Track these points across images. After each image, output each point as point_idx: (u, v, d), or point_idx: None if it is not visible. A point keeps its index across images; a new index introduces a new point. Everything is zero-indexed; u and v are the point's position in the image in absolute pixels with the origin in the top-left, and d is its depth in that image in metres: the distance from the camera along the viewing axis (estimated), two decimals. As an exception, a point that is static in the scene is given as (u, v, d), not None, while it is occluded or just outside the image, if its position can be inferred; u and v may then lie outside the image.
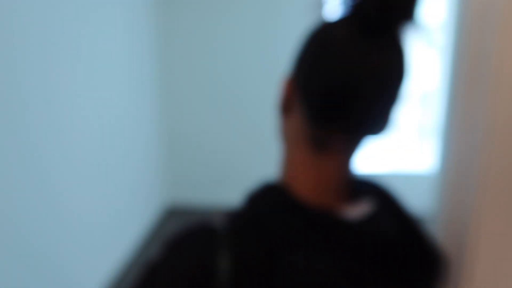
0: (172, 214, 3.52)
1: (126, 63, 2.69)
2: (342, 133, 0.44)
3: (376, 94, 0.42)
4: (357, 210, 0.47)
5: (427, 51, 3.52)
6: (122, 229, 2.65)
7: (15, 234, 1.57)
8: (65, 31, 1.94)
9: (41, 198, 1.76)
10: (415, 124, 3.77)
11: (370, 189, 0.50)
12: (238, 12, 3.36)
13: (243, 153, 3.63)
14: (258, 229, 0.43)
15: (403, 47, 0.43)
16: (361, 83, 0.41)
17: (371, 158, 3.71)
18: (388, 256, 0.44)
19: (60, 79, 1.90)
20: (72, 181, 2.02)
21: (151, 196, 3.24)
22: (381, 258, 0.43)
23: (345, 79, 0.41)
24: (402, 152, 3.77)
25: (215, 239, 0.43)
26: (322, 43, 0.42)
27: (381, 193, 0.50)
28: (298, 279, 0.39)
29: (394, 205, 0.49)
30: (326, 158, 0.46)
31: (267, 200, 0.45)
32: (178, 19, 3.39)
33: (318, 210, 0.43)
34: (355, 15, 0.40)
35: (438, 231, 0.88)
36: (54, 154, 1.86)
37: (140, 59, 2.95)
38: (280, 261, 0.41)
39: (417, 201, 3.64)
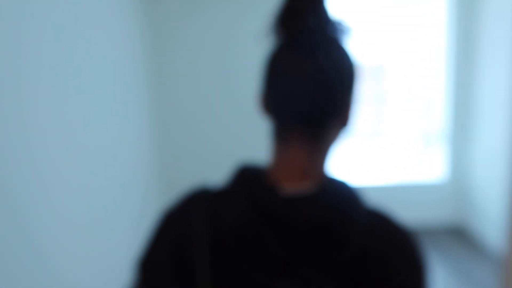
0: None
1: (118, 69, 2.62)
2: (295, 131, 0.55)
3: (308, 101, 0.53)
4: (294, 189, 0.56)
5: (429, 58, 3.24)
6: (117, 232, 2.64)
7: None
8: (50, 35, 1.86)
9: (37, 197, 1.71)
10: (419, 133, 3.55)
11: (335, 183, 0.56)
12: (227, 13, 3.31)
13: (239, 154, 3.59)
14: (220, 195, 0.58)
15: (331, 54, 0.53)
16: (293, 91, 0.53)
17: (374, 170, 3.64)
18: (290, 225, 0.52)
19: (48, 84, 1.83)
20: (66, 183, 2.00)
21: (146, 200, 3.23)
22: (290, 227, 0.52)
23: (282, 91, 0.54)
24: (408, 162, 3.43)
25: (194, 202, 0.59)
26: (267, 64, 0.56)
27: (340, 188, 0.55)
28: (224, 225, 0.54)
29: (343, 201, 0.54)
30: (286, 149, 0.57)
31: (239, 171, 0.59)
32: (169, 19, 3.32)
33: (265, 185, 0.55)
34: (282, 39, 0.54)
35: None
36: (52, 152, 1.81)
37: (132, 65, 2.89)
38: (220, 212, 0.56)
39: (427, 212, 3.51)
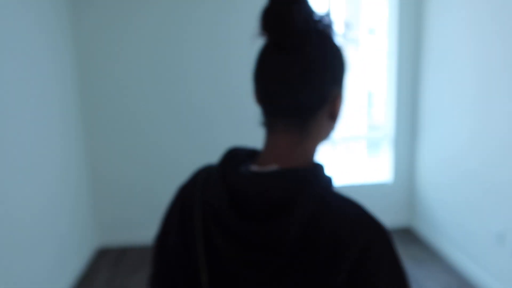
0: (103, 255, 3.48)
1: (35, 71, 2.56)
2: (280, 121, 0.63)
3: (291, 95, 0.60)
4: (262, 168, 0.64)
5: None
6: (54, 273, 2.64)
7: None
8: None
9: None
10: (366, 136, 3.72)
11: (309, 166, 0.61)
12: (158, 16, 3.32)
13: (170, 190, 3.65)
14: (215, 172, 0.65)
15: (304, 53, 0.59)
16: (274, 85, 0.60)
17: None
18: (249, 199, 0.59)
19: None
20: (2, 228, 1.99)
21: (83, 239, 3.24)
22: (249, 200, 0.59)
23: (265, 85, 0.62)
24: (356, 164, 3.70)
25: (198, 178, 0.68)
26: (256, 61, 0.64)
27: (308, 171, 0.60)
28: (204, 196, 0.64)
29: (298, 180, 0.58)
30: (272, 136, 0.65)
31: (225, 154, 0.67)
32: (95, 21, 3.30)
33: (237, 164, 0.64)
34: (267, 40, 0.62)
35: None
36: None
37: (54, 66, 2.86)
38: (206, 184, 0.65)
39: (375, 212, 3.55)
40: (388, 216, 3.78)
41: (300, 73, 0.59)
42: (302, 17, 0.57)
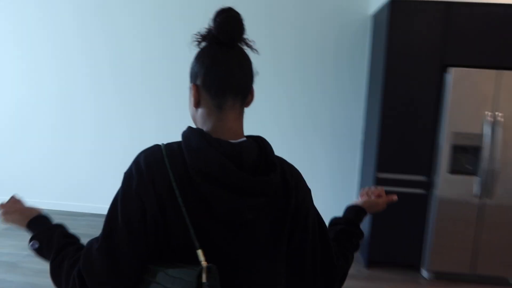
0: None
1: None
2: (229, 100, 0.86)
3: (238, 77, 0.86)
4: (236, 140, 0.86)
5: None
6: None
7: None
8: None
9: None
10: None
11: (253, 136, 0.91)
12: None
13: None
14: (184, 145, 0.82)
15: (243, 52, 0.88)
16: (229, 73, 0.85)
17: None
18: (244, 160, 0.82)
19: None
20: None
21: None
22: (243, 161, 0.82)
23: (220, 75, 0.85)
24: None
25: (160, 152, 0.82)
26: (206, 58, 0.86)
27: (258, 139, 0.90)
28: (197, 163, 0.79)
29: (262, 144, 0.88)
30: (224, 114, 0.86)
31: (190, 132, 0.83)
32: None
33: (215, 138, 0.82)
34: (215, 41, 0.86)
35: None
36: None
37: None
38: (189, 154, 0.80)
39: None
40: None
41: (241, 64, 0.87)
42: (244, 28, 0.86)
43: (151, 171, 0.79)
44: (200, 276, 0.72)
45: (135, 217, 0.78)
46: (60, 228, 0.96)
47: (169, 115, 4.20)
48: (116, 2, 4.05)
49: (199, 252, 0.76)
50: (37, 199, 4.55)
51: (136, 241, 0.77)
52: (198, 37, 0.88)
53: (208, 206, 0.79)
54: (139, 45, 4.13)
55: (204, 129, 0.87)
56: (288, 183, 0.89)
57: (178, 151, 0.82)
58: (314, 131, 4.06)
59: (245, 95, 0.89)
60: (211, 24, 0.85)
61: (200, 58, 0.87)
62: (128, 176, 0.81)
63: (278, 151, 0.91)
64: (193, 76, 0.89)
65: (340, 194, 4.12)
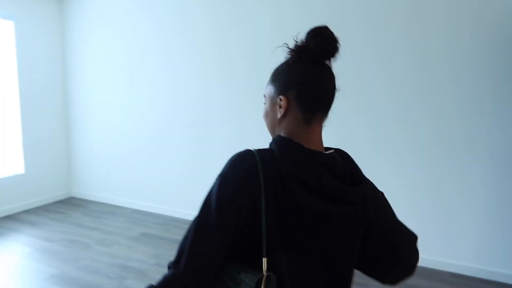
0: None
1: None
2: (318, 115, 0.91)
3: (330, 95, 0.91)
4: (328, 152, 0.92)
5: None
6: None
7: None
8: None
9: None
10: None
11: (334, 149, 0.97)
12: None
13: None
14: (280, 153, 0.86)
15: (331, 70, 0.92)
16: (324, 91, 0.89)
17: None
18: (336, 171, 0.88)
19: None
20: None
21: None
22: (332, 171, 0.88)
23: (317, 92, 0.89)
24: None
25: (254, 157, 0.85)
26: (302, 71, 0.89)
27: (340, 151, 0.96)
28: (296, 173, 0.83)
29: (344, 156, 0.95)
30: (311, 127, 0.91)
31: (285, 141, 0.87)
32: None
33: (308, 149, 0.88)
34: (311, 58, 0.89)
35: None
36: None
37: None
38: (286, 167, 0.84)
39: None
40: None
41: (333, 81, 0.90)
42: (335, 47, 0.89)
43: (248, 176, 0.82)
44: (259, 282, 0.79)
45: (230, 219, 0.80)
46: None
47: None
48: (250, 9, 3.92)
49: (264, 260, 0.81)
50: (172, 207, 4.61)
51: (226, 242, 0.80)
52: (293, 51, 0.90)
53: (298, 213, 0.83)
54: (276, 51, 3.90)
55: (294, 137, 0.92)
56: (366, 191, 0.93)
57: (271, 158, 0.85)
58: (467, 150, 3.18)
59: (329, 110, 0.93)
60: (308, 40, 0.87)
61: (295, 72, 0.89)
62: (225, 179, 0.83)
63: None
64: (284, 88, 0.91)
65: (502, 237, 3.12)
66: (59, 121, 5.18)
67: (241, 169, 0.82)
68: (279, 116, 0.91)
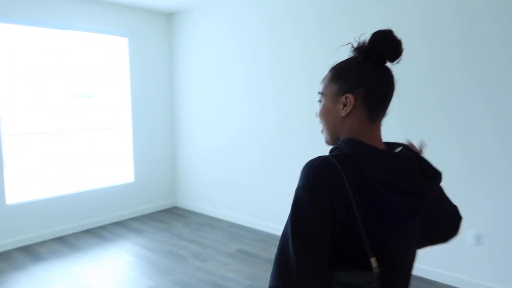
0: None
1: None
2: (381, 114, 0.93)
3: (392, 94, 0.93)
4: (396, 149, 0.95)
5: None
6: None
7: None
8: None
9: None
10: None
11: (397, 144, 0.99)
12: None
13: None
14: (358, 156, 0.86)
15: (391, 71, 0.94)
16: (389, 91, 0.92)
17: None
18: (414, 167, 0.88)
19: None
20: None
21: None
22: (412, 168, 0.87)
23: (385, 92, 0.91)
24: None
25: (335, 164, 0.84)
26: (373, 71, 0.90)
27: (403, 145, 0.97)
28: (376, 168, 0.84)
29: (410, 151, 0.96)
30: (375, 125, 0.93)
31: (356, 143, 0.87)
32: None
33: (382, 149, 0.88)
34: (378, 59, 0.92)
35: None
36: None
37: None
38: (366, 166, 0.85)
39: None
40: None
41: (394, 82, 0.94)
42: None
43: (337, 184, 0.81)
44: (373, 281, 0.81)
45: (327, 230, 0.80)
46: None
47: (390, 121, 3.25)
48: (334, 13, 3.47)
49: (373, 260, 0.82)
50: (271, 224, 4.36)
51: (326, 252, 0.80)
52: (360, 50, 0.91)
53: (384, 213, 0.84)
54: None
55: (356, 137, 0.93)
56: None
57: (350, 162, 0.85)
58: None
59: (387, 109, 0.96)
60: (377, 42, 0.89)
61: (365, 72, 0.90)
62: (314, 189, 0.81)
63: None
64: (351, 87, 0.91)
65: None
66: (166, 133, 5.37)
67: (330, 177, 0.82)
68: (343, 114, 0.92)
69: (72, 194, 4.42)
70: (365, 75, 0.89)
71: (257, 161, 4.47)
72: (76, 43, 4.37)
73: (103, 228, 4.60)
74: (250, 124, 4.52)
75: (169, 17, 5.27)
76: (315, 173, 0.83)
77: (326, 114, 0.95)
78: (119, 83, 4.87)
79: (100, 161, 4.76)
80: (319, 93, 0.98)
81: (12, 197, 4.03)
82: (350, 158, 0.85)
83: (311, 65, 3.91)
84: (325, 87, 0.96)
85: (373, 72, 0.89)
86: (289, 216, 0.83)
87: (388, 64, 1.09)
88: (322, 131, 1.00)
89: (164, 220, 4.88)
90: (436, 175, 0.90)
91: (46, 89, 4.21)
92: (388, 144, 0.99)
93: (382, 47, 0.88)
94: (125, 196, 4.94)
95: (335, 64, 0.97)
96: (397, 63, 0.93)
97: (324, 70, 3.82)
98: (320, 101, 0.98)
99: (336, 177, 0.82)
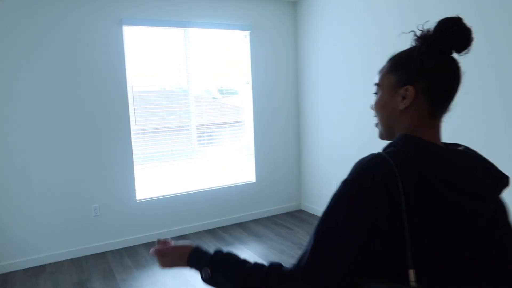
0: None
1: None
2: (444, 109, 0.85)
3: (457, 88, 0.84)
4: (458, 147, 0.86)
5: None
6: None
7: None
8: None
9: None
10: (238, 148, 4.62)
11: (458, 145, 0.89)
12: None
13: None
14: (418, 154, 0.78)
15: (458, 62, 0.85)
16: (455, 84, 0.83)
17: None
18: (479, 164, 0.80)
19: None
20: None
21: None
22: (476, 168, 0.79)
23: (453, 84, 0.83)
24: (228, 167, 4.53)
25: (389, 161, 0.77)
26: (437, 61, 0.82)
27: (463, 145, 0.88)
28: (440, 166, 0.76)
29: (470, 149, 0.87)
30: (435, 122, 0.85)
31: (414, 140, 0.80)
32: None
33: (444, 147, 0.81)
34: (444, 49, 0.82)
35: None
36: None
37: None
38: (428, 165, 0.77)
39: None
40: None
41: (461, 75, 0.84)
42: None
43: (387, 184, 0.75)
44: None
45: (361, 239, 0.75)
46: (228, 253, 0.93)
47: None
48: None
49: (411, 272, 0.74)
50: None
51: (352, 260, 0.76)
52: (424, 39, 0.83)
53: (450, 216, 0.77)
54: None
55: (414, 133, 0.85)
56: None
57: (408, 160, 0.78)
58: None
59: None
60: (443, 30, 0.80)
61: (429, 62, 0.82)
62: (358, 188, 0.76)
63: None
64: (412, 78, 0.84)
65: None
66: (290, 131, 4.99)
67: (379, 177, 0.75)
68: (401, 107, 0.85)
69: (194, 192, 4.39)
70: (429, 66, 0.82)
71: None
72: (197, 40, 4.29)
73: (224, 229, 4.46)
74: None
75: (294, 4, 4.85)
76: (363, 171, 0.78)
77: (382, 107, 0.90)
78: (241, 79, 4.67)
79: (222, 158, 4.64)
80: (375, 84, 0.92)
81: (141, 193, 4.16)
82: (408, 156, 0.79)
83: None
84: (382, 78, 0.90)
85: (438, 63, 0.82)
86: (326, 209, 0.80)
87: (455, 55, 0.84)
88: (376, 125, 0.94)
89: (287, 225, 4.51)
90: (502, 177, 0.82)
91: (171, 87, 4.23)
92: (447, 144, 0.89)
93: (450, 36, 0.79)
94: (246, 196, 4.73)
95: (394, 54, 0.90)
96: (465, 54, 0.83)
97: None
98: (376, 93, 0.92)
99: (387, 176, 0.75)
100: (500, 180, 0.82)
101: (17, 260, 3.57)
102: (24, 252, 3.60)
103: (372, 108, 0.93)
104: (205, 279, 0.92)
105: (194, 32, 4.26)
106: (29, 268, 3.58)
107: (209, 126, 4.50)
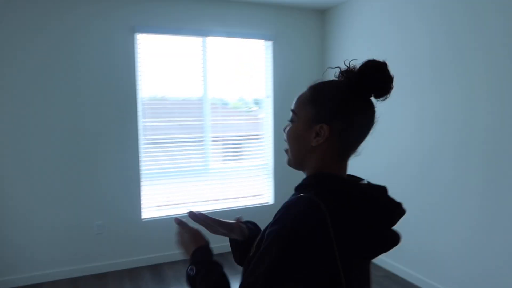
0: None
1: None
2: (353, 153, 0.87)
3: (368, 134, 0.87)
4: (363, 182, 0.89)
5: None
6: None
7: None
8: None
9: None
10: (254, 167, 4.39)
11: (358, 178, 0.92)
12: None
13: None
14: (336, 194, 0.80)
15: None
16: (368, 129, 0.85)
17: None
18: (380, 199, 0.84)
19: None
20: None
21: None
22: (378, 200, 0.83)
23: (365, 130, 0.85)
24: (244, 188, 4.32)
25: (317, 204, 0.76)
26: (357, 104, 0.82)
27: (363, 178, 0.92)
28: (359, 203, 0.80)
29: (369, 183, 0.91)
30: (344, 162, 0.87)
31: (331, 178, 0.84)
32: None
33: (353, 182, 0.86)
34: (365, 93, 0.83)
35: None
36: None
37: None
38: (347, 201, 0.79)
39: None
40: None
41: (374, 120, 0.86)
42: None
43: (322, 237, 0.74)
44: None
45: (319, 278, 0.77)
46: (220, 267, 0.95)
47: None
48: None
49: None
50: None
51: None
52: (348, 78, 0.82)
53: (365, 245, 0.82)
54: None
55: (325, 170, 0.86)
56: None
57: (335, 202, 0.78)
58: None
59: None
60: (369, 74, 0.79)
61: (348, 104, 0.82)
62: (293, 241, 0.73)
63: None
64: (329, 116, 0.82)
65: None
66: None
67: (313, 227, 0.75)
68: (314, 144, 0.84)
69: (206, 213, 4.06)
70: (347, 109, 0.82)
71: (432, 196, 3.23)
72: (216, 50, 4.03)
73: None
74: (417, 143, 3.32)
75: (321, 13, 4.49)
76: (299, 222, 0.76)
77: (296, 139, 0.89)
78: (261, 91, 4.34)
79: (238, 176, 4.30)
80: (292, 110, 0.90)
81: (147, 212, 3.90)
82: (334, 196, 0.79)
83: (495, 65, 2.52)
84: (301, 108, 0.87)
85: (356, 107, 0.82)
86: (265, 260, 0.75)
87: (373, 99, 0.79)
88: (286, 150, 0.94)
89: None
90: (397, 206, 0.86)
91: (185, 95, 3.98)
92: (350, 177, 0.92)
93: (371, 80, 0.79)
94: (263, 220, 4.32)
95: (316, 83, 0.89)
96: (382, 100, 0.83)
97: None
98: (292, 120, 0.90)
99: (321, 227, 0.75)
100: (396, 208, 0.86)
101: (14, 277, 3.41)
102: (21, 269, 3.44)
103: (284, 137, 0.92)
104: (187, 278, 0.95)
105: (213, 41, 4.01)
106: (25, 285, 3.41)
107: (224, 140, 4.20)
